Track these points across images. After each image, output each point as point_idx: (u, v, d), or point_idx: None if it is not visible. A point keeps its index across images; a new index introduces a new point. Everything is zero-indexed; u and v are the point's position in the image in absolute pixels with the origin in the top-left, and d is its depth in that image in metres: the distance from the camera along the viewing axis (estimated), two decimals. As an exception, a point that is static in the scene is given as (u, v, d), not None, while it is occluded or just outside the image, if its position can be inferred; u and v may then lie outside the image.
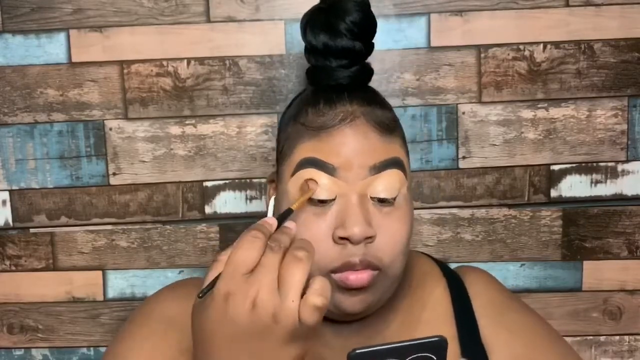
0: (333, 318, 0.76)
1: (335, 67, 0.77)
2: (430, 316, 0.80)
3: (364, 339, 0.78)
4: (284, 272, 0.56)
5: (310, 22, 0.77)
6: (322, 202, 0.72)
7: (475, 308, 0.82)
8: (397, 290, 0.79)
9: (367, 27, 0.77)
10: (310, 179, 0.72)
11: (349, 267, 0.71)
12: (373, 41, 0.79)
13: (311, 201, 0.72)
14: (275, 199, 0.78)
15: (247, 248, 0.57)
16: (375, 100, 0.77)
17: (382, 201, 0.72)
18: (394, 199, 0.73)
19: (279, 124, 0.82)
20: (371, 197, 0.72)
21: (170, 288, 0.84)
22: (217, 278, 0.57)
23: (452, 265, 0.91)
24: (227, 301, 0.55)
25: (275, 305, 0.55)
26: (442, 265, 0.88)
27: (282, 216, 0.66)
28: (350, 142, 0.72)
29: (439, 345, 0.55)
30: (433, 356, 0.55)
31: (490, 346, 0.79)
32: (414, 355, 0.55)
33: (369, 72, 0.79)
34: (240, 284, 0.55)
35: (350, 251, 0.71)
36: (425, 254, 0.90)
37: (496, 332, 0.80)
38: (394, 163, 0.73)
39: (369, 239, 0.71)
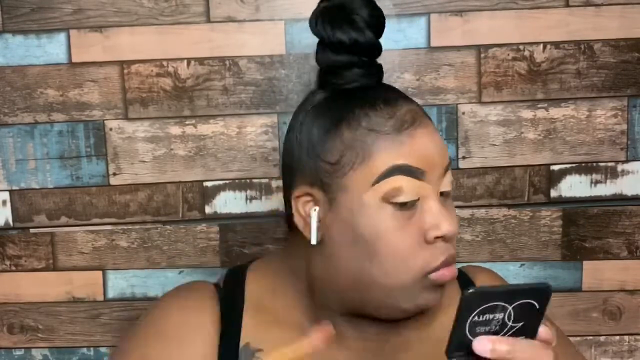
0: (384, 318, 0.75)
1: (365, 64, 0.75)
2: (445, 318, 0.78)
3: (383, 342, 0.77)
4: None
5: (330, 19, 0.74)
6: (404, 204, 0.70)
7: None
8: None
9: (381, 20, 0.76)
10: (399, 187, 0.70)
11: (446, 264, 0.71)
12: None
13: (393, 205, 0.70)
14: (319, 213, 0.73)
15: None
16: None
17: (443, 194, 0.73)
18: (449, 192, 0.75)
19: (312, 136, 0.74)
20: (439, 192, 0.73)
21: (175, 298, 0.82)
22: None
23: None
24: None
25: None
26: None
27: None
28: (430, 143, 0.72)
29: (543, 293, 0.57)
30: (536, 303, 0.57)
31: None
32: (520, 301, 0.56)
33: (382, 69, 0.79)
34: None
35: (444, 248, 0.71)
36: None
37: None
38: (451, 162, 0.75)
39: None
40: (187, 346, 0.76)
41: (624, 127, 1.12)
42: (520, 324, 0.57)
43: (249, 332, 0.77)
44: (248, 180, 1.13)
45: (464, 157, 1.13)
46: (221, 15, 1.10)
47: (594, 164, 1.13)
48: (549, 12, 1.09)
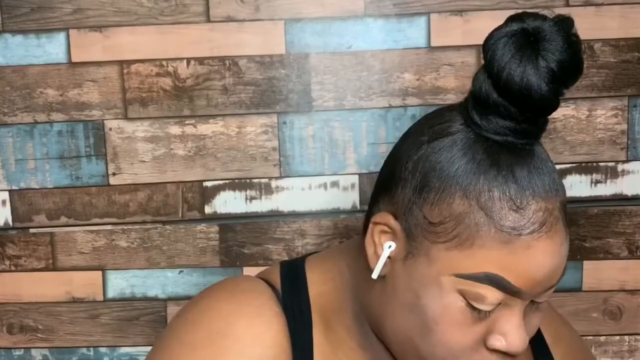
0: None
1: (525, 120, 0.59)
2: None
3: None
4: None
5: (516, 47, 0.58)
6: (481, 311, 0.61)
7: (551, 346, 0.77)
8: None
9: (573, 75, 0.59)
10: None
11: None
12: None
13: (467, 302, 0.61)
14: (392, 252, 0.64)
15: None
16: (558, 176, 0.63)
17: (534, 302, 0.64)
18: None
19: (426, 176, 0.62)
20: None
21: (235, 303, 0.68)
22: None
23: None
24: None
25: None
26: None
27: None
28: (547, 264, 0.59)
29: None
30: None
31: None
32: None
33: (546, 126, 0.63)
34: None
35: (502, 358, 0.63)
36: None
37: None
38: (564, 273, 0.63)
39: None
40: None
41: (624, 127, 1.12)
42: None
43: (322, 352, 0.68)
44: (248, 180, 1.13)
45: (464, 157, 1.13)
46: (221, 15, 1.09)
47: (594, 164, 1.13)
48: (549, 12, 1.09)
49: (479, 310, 0.60)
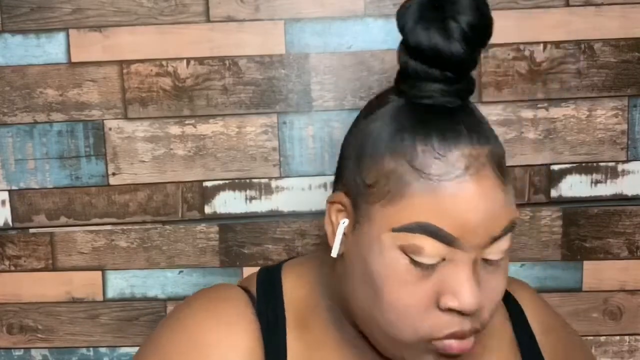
0: None
1: (447, 80, 0.62)
2: (495, 344, 0.74)
3: None
4: None
5: (421, 14, 0.61)
6: (424, 264, 0.61)
7: (537, 336, 0.77)
8: None
9: (483, 32, 0.63)
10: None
11: (455, 336, 0.62)
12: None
13: (410, 258, 0.61)
14: (346, 227, 0.66)
15: None
16: (488, 128, 0.63)
17: (489, 261, 0.63)
18: (502, 258, 0.64)
19: (363, 146, 0.65)
20: (481, 259, 0.63)
21: (209, 311, 0.70)
22: None
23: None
24: None
25: None
26: None
27: None
28: (478, 208, 0.59)
29: None
30: None
31: None
32: None
33: (474, 85, 0.65)
34: None
35: (457, 321, 0.62)
36: None
37: None
38: (512, 226, 0.62)
39: None
40: None
41: (624, 127, 1.12)
42: None
43: (296, 354, 0.69)
44: (248, 180, 1.13)
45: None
46: (221, 15, 1.09)
47: (594, 164, 1.13)
48: (549, 11, 1.09)
49: (422, 265, 0.61)
